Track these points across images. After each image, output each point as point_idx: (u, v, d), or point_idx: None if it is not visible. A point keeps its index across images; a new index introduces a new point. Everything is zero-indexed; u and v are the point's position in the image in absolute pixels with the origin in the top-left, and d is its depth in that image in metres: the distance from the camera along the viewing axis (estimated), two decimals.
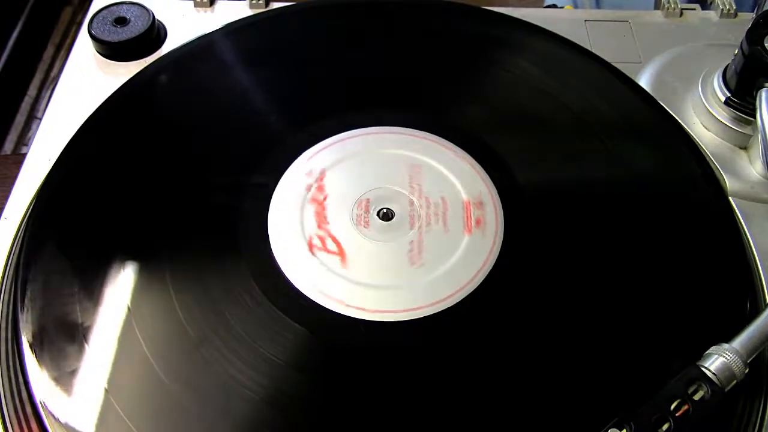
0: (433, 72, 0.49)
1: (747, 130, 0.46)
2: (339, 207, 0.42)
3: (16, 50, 0.86)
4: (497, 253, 0.40)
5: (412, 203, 0.42)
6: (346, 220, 0.41)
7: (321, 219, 0.41)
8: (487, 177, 0.43)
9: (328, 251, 0.40)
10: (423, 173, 0.43)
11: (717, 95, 0.47)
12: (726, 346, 0.34)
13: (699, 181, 0.44)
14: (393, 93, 0.48)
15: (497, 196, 0.42)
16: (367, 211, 0.42)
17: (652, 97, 0.48)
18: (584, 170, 0.44)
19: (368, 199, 0.42)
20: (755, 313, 0.37)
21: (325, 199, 0.42)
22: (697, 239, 0.41)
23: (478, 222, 0.41)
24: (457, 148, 0.44)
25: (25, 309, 0.37)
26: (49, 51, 0.90)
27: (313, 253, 0.40)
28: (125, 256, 0.39)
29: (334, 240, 0.40)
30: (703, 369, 0.33)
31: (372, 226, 0.41)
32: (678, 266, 0.40)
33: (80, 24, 0.53)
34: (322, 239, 0.40)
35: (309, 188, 0.42)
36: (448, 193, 0.42)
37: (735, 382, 0.33)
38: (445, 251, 0.40)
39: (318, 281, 0.38)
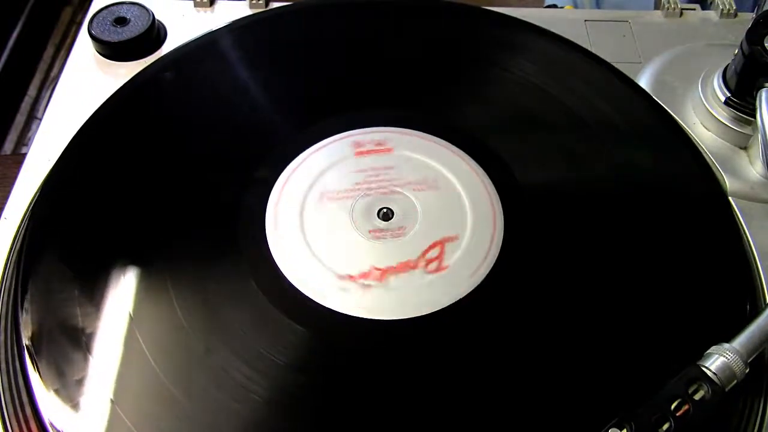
0: (432, 72, 0.49)
1: (747, 130, 0.46)
2: (339, 203, 0.42)
3: (16, 50, 0.86)
4: (497, 253, 0.40)
5: (412, 208, 0.42)
6: (346, 215, 0.41)
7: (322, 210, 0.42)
8: (487, 177, 0.43)
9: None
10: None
11: (717, 95, 0.47)
12: (726, 345, 0.34)
13: (699, 181, 0.44)
14: (393, 93, 0.48)
15: (497, 196, 0.42)
16: (365, 209, 0.42)
17: (652, 97, 0.48)
18: (584, 170, 0.44)
19: (369, 198, 0.42)
20: (755, 313, 0.37)
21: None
22: (697, 239, 0.41)
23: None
24: (458, 148, 0.44)
25: (25, 310, 0.37)
26: (49, 51, 0.90)
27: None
28: (125, 256, 0.39)
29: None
30: (704, 369, 0.33)
31: (370, 224, 0.41)
32: (678, 266, 0.40)
33: (80, 24, 0.53)
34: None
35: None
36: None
37: (735, 381, 0.33)
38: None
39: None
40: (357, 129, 0.45)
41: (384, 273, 0.39)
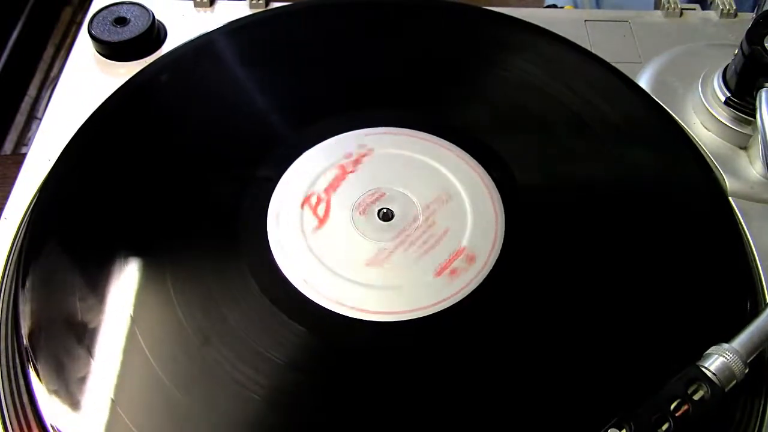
0: (432, 72, 0.49)
1: (747, 130, 0.46)
2: (348, 190, 0.42)
3: (16, 50, 0.86)
4: (497, 253, 0.40)
5: (412, 208, 0.42)
6: (350, 203, 0.42)
7: (332, 185, 0.42)
8: (488, 177, 0.43)
9: (315, 214, 0.41)
10: (446, 200, 0.43)
11: (717, 95, 0.47)
12: (726, 346, 0.34)
13: (699, 181, 0.44)
14: (393, 93, 0.48)
15: (497, 196, 0.42)
16: (373, 203, 0.42)
17: (651, 97, 0.48)
18: (584, 170, 0.44)
19: (381, 195, 0.42)
20: (755, 313, 0.37)
21: (325, 194, 0.42)
22: (697, 239, 0.41)
23: (452, 272, 0.39)
24: (457, 148, 0.44)
25: (25, 310, 0.37)
26: (49, 51, 0.90)
27: (302, 208, 0.41)
28: (125, 257, 0.39)
29: (327, 208, 0.41)
30: (703, 369, 0.33)
31: (367, 219, 0.41)
32: (678, 266, 0.40)
33: (80, 24, 0.53)
34: (318, 200, 0.41)
35: (308, 186, 0.42)
36: (453, 229, 0.41)
37: (735, 382, 0.33)
38: (402, 274, 0.39)
39: (318, 281, 0.38)
40: (357, 129, 0.45)
41: (340, 263, 0.39)
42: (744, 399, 0.36)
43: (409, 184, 0.43)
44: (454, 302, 0.38)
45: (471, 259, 0.40)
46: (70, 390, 0.34)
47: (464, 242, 0.40)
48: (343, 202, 0.42)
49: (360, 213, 0.41)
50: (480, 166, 0.44)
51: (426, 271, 0.39)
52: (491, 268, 0.39)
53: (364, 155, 0.44)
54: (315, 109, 0.47)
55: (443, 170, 0.43)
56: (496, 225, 0.41)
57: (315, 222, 0.41)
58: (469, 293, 0.38)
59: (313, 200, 0.41)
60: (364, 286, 0.38)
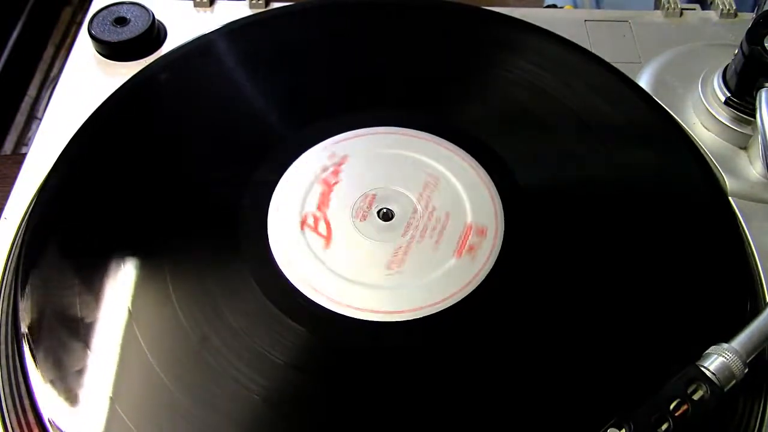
0: (432, 72, 0.49)
1: (747, 130, 0.46)
2: (341, 202, 0.42)
3: (16, 50, 0.86)
4: (497, 253, 0.40)
5: (412, 208, 0.42)
6: (347, 213, 0.41)
7: (323, 202, 0.42)
8: (488, 177, 0.43)
9: (318, 234, 0.40)
10: (435, 184, 0.43)
11: (717, 95, 0.47)
12: (725, 345, 0.34)
13: (699, 181, 0.44)
14: (393, 93, 0.48)
15: (497, 196, 0.42)
16: (369, 207, 0.42)
17: (651, 97, 0.48)
18: (584, 170, 0.44)
19: (373, 196, 0.42)
20: (755, 313, 0.37)
21: (325, 194, 0.42)
22: (697, 239, 0.41)
23: (471, 248, 0.40)
24: (458, 148, 0.44)
25: (25, 310, 0.37)
26: (49, 51, 0.90)
27: (302, 230, 0.40)
28: (125, 257, 0.39)
29: (327, 224, 0.41)
30: (703, 369, 0.33)
31: (369, 223, 0.41)
32: (678, 266, 0.40)
33: (80, 24, 0.53)
34: (316, 219, 0.41)
35: (308, 186, 0.42)
36: (454, 210, 0.42)
37: (734, 382, 0.33)
38: (426, 266, 0.39)
39: (318, 281, 0.38)
40: (356, 129, 0.45)
41: (360, 270, 0.39)
42: (744, 399, 0.36)
43: (394, 179, 0.43)
44: (454, 302, 0.38)
45: (482, 233, 0.40)
46: (67, 382, 0.34)
47: (469, 219, 0.41)
48: (339, 214, 0.41)
49: (361, 219, 0.41)
50: (480, 166, 0.44)
51: (447, 254, 0.39)
52: (491, 267, 0.39)
53: (341, 164, 0.44)
54: (314, 110, 0.47)
55: (444, 171, 0.43)
56: (496, 224, 0.41)
57: (321, 241, 0.40)
58: (469, 293, 0.38)
59: (311, 221, 0.41)
60: (364, 286, 0.38)
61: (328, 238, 0.40)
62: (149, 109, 0.47)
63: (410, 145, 0.45)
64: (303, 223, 0.41)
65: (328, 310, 0.37)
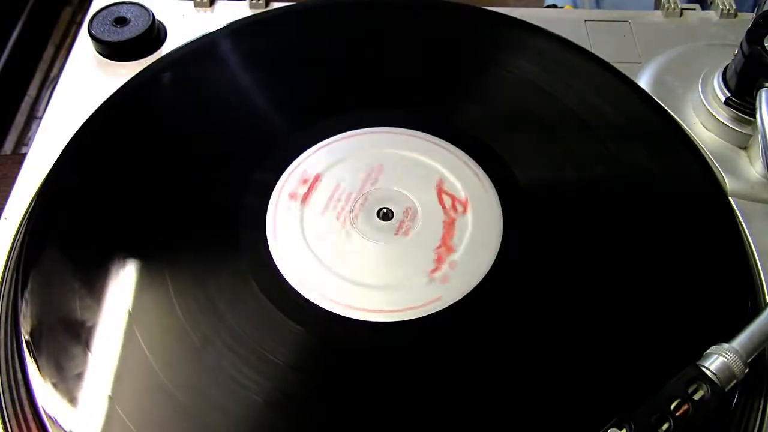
0: (432, 72, 0.49)
1: (747, 130, 0.46)
2: (340, 202, 0.42)
3: (16, 50, 0.86)
4: (497, 253, 0.40)
5: (412, 208, 0.42)
6: (346, 213, 0.41)
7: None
8: (487, 177, 0.43)
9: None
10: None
11: (717, 95, 0.47)
12: (726, 345, 0.34)
13: (699, 181, 0.44)
14: (393, 93, 0.48)
15: (497, 196, 0.42)
16: (369, 207, 0.42)
17: (652, 98, 0.48)
18: (584, 170, 0.44)
19: (373, 196, 0.42)
20: (755, 313, 0.37)
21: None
22: (697, 239, 0.41)
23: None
24: (457, 148, 0.44)
25: (25, 309, 0.37)
26: (49, 51, 0.90)
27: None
28: (125, 257, 0.39)
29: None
30: (703, 369, 0.33)
31: (369, 223, 0.41)
32: (678, 266, 0.40)
33: (80, 24, 0.53)
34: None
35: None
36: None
37: (735, 381, 0.33)
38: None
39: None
40: (357, 129, 0.45)
41: (384, 273, 0.39)
42: (744, 399, 0.36)
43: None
44: (454, 302, 0.38)
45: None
46: (69, 388, 0.34)
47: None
48: (339, 214, 0.41)
49: (360, 219, 0.41)
50: (479, 166, 0.44)
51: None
52: (490, 267, 0.39)
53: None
54: (314, 109, 0.47)
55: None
56: (496, 224, 0.41)
57: (315, 222, 0.41)
58: (468, 293, 0.38)
59: (311, 221, 0.41)
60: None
61: (328, 238, 0.40)
62: (149, 110, 0.47)
63: (410, 145, 0.45)
64: (303, 223, 0.41)
65: (328, 310, 0.37)
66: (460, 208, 0.42)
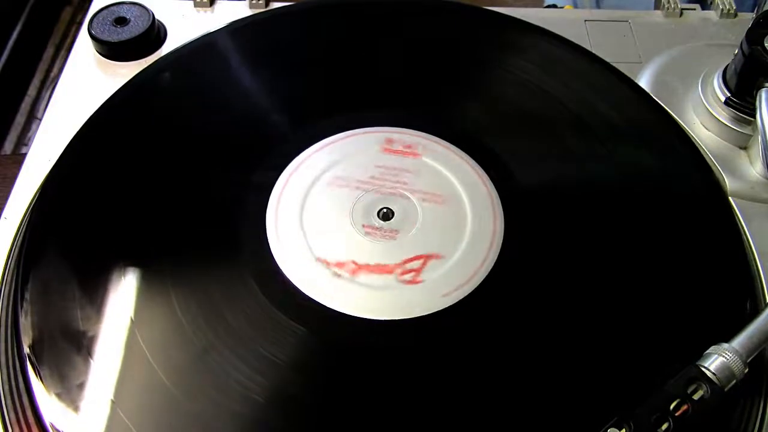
0: (432, 72, 0.49)
1: (747, 130, 0.46)
2: (340, 201, 0.42)
3: (16, 50, 0.86)
4: (497, 253, 0.40)
5: (412, 208, 0.42)
6: (346, 213, 0.41)
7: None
8: (487, 177, 0.43)
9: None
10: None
11: (717, 95, 0.47)
12: (725, 345, 0.34)
13: (699, 181, 0.44)
14: (393, 93, 0.48)
15: (497, 196, 0.42)
16: (369, 207, 0.42)
17: (652, 97, 0.48)
18: (584, 170, 0.44)
19: (373, 196, 0.42)
20: (755, 313, 0.37)
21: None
22: (697, 239, 0.41)
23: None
24: (457, 148, 0.44)
25: (25, 312, 0.36)
26: (49, 51, 0.90)
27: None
28: (126, 257, 0.39)
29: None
30: (703, 369, 0.33)
31: (369, 223, 0.41)
32: (678, 266, 0.40)
33: (80, 24, 0.53)
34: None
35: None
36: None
37: (734, 381, 0.33)
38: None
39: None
40: (356, 129, 0.45)
41: (358, 269, 0.39)
42: (744, 399, 0.36)
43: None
44: (454, 302, 0.38)
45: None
46: (71, 393, 0.34)
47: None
48: (339, 214, 0.41)
49: (360, 219, 0.41)
50: (479, 165, 0.44)
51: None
52: (490, 267, 0.39)
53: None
54: (314, 110, 0.47)
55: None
56: (496, 224, 0.41)
57: (315, 220, 0.41)
58: (468, 293, 0.38)
59: (311, 221, 0.41)
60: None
61: (328, 237, 0.40)
62: (149, 110, 0.47)
63: (410, 145, 0.45)
64: (303, 223, 0.41)
65: (329, 309, 0.37)
66: (460, 207, 0.42)
